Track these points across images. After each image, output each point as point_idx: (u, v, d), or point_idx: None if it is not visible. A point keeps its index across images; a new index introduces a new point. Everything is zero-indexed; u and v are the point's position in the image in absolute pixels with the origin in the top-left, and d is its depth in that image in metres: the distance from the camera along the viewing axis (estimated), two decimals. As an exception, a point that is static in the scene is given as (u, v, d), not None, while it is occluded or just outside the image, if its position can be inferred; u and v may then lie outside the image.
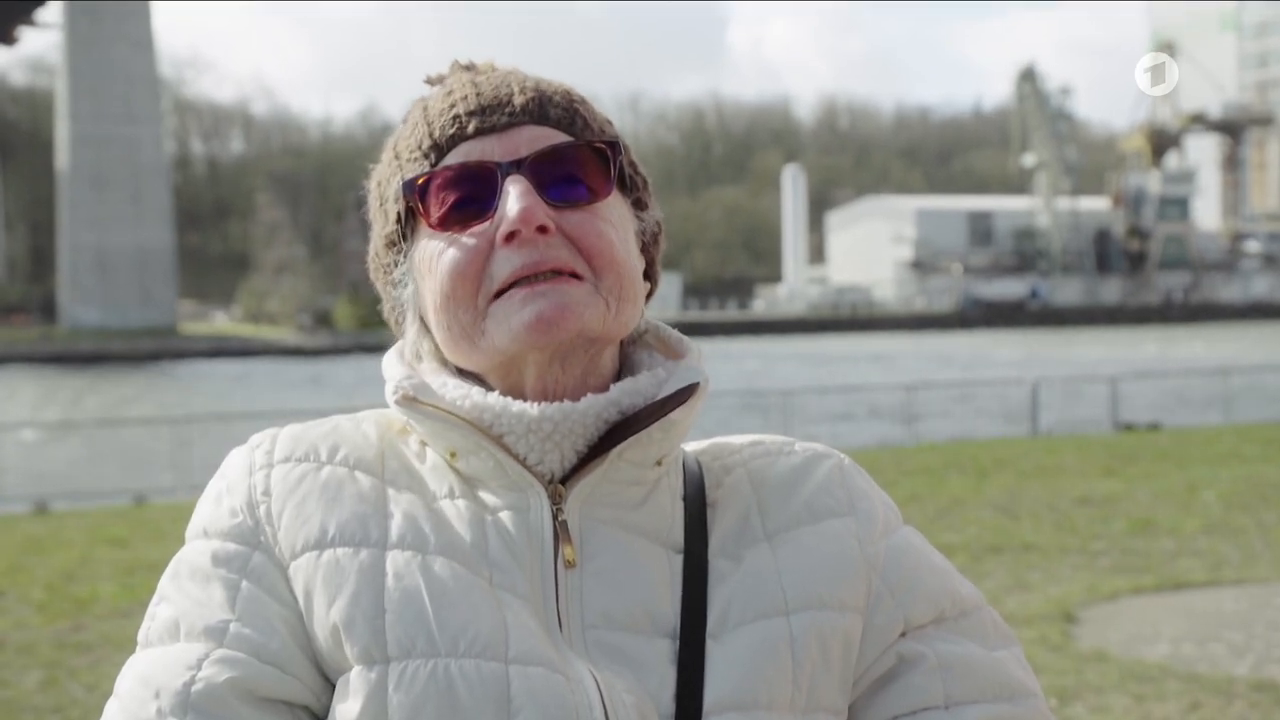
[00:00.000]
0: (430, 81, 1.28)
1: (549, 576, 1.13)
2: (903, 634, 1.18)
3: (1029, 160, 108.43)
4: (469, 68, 1.27)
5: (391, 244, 1.22)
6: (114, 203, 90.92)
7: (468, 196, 1.15)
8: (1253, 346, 53.64)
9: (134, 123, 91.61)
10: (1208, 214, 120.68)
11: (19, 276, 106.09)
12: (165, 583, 1.15)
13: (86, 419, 28.14)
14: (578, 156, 1.17)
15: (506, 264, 1.13)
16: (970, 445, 17.52)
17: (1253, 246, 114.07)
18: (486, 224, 1.14)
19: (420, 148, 1.18)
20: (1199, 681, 5.98)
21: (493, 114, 1.17)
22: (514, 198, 1.12)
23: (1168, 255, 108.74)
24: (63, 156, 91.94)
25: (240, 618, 1.10)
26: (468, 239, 1.15)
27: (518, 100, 1.18)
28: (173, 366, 66.35)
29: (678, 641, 1.12)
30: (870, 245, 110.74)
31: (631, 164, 1.23)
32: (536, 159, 1.15)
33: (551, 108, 1.19)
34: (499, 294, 1.14)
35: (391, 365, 1.21)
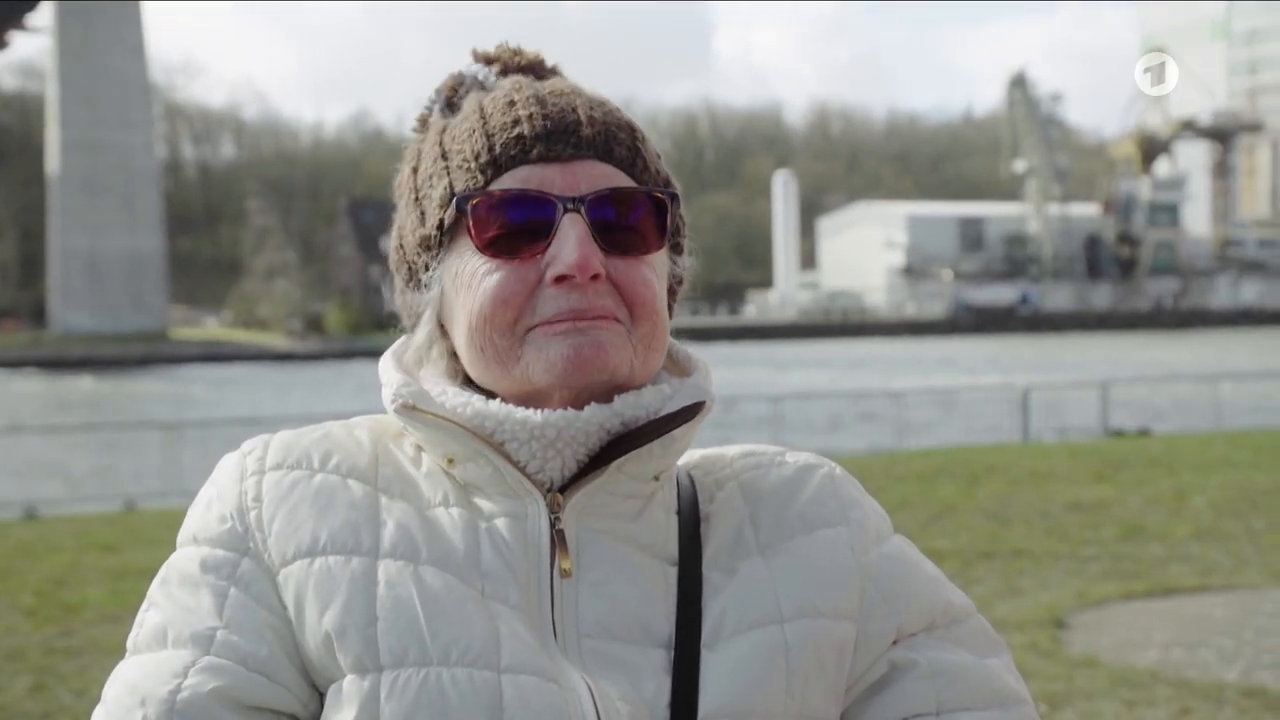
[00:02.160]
0: (477, 58, 1.26)
1: (544, 585, 1.12)
2: (894, 642, 1.18)
3: (1020, 166, 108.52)
4: (517, 54, 1.25)
5: (427, 246, 1.19)
6: (106, 208, 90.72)
7: (522, 225, 1.13)
8: (1242, 353, 53.74)
9: (126, 128, 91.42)
10: (1198, 220, 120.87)
11: (9, 281, 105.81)
12: (154, 589, 1.15)
13: (76, 424, 28.06)
14: (637, 203, 1.16)
15: (553, 304, 1.12)
16: (961, 451, 17.53)
17: (1240, 252, 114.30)
18: (537, 257, 1.13)
19: (476, 159, 1.16)
20: (1189, 687, 5.99)
21: (558, 142, 1.15)
22: (573, 241, 1.11)
23: (1158, 261, 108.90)
24: (53, 162, 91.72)
25: (228, 625, 1.10)
26: (517, 269, 1.13)
27: (585, 132, 1.16)
28: (164, 371, 66.20)
29: (672, 652, 1.12)
30: (861, 251, 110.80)
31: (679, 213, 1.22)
32: (597, 200, 1.13)
33: (616, 145, 1.17)
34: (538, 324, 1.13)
35: (389, 370, 1.19)
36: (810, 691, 1.13)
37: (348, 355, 72.53)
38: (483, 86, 1.24)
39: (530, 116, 1.16)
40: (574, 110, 1.17)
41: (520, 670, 1.06)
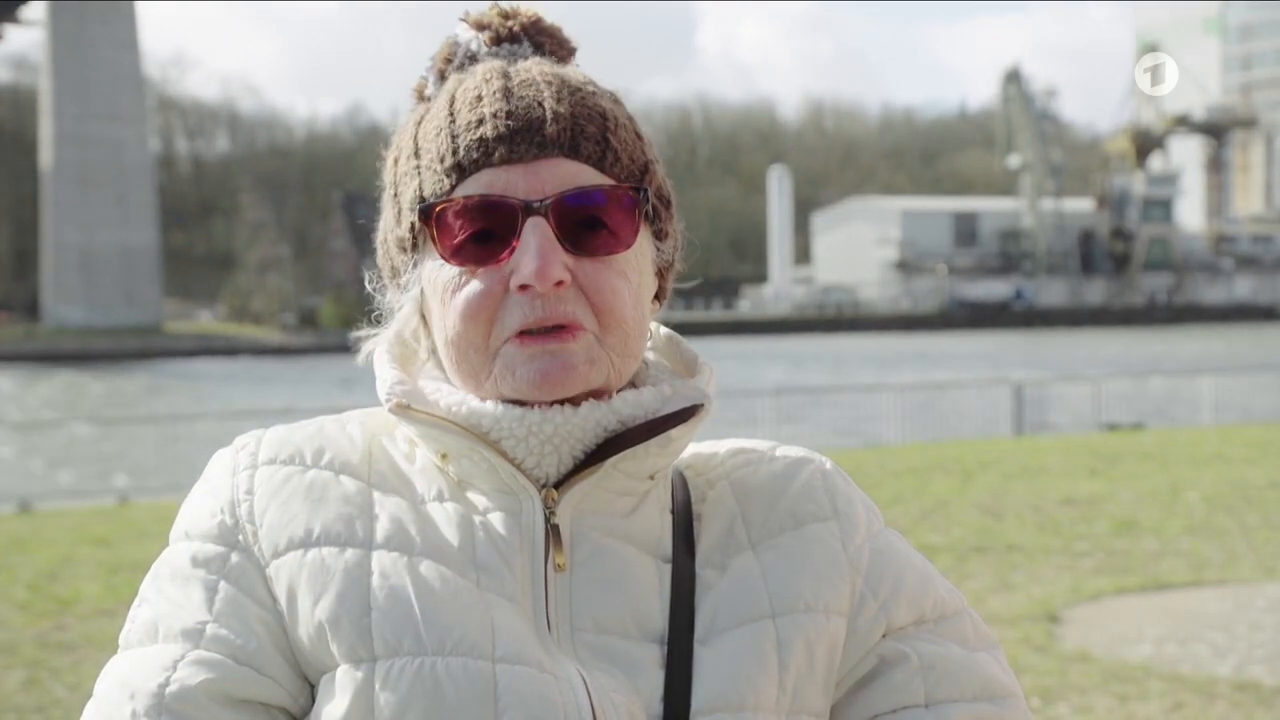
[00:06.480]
0: (470, 24, 1.22)
1: (539, 580, 1.12)
2: (884, 635, 1.18)
3: (1014, 162, 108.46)
4: (508, 18, 1.22)
5: (403, 249, 1.19)
6: (99, 202, 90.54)
7: (485, 232, 1.11)
8: (1236, 347, 53.81)
9: (119, 122, 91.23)
10: (1191, 216, 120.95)
11: (2, 275, 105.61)
12: (146, 585, 1.15)
13: (70, 418, 28.02)
14: (604, 199, 1.13)
15: (518, 312, 1.10)
16: (955, 446, 17.54)
17: (1233, 248, 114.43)
18: (503, 263, 1.11)
19: (442, 162, 1.13)
20: (1181, 682, 6.00)
21: (521, 143, 1.12)
22: (533, 249, 1.09)
23: (1152, 257, 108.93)
24: (46, 155, 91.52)
25: (217, 619, 1.10)
26: (482, 280, 1.12)
27: (549, 130, 1.12)
28: (157, 365, 66.12)
29: (665, 647, 1.12)
30: (855, 246, 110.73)
31: (658, 188, 1.19)
32: (559, 201, 1.11)
33: (584, 140, 1.13)
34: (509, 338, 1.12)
35: (383, 366, 1.19)
36: (802, 685, 1.14)
37: (341, 349, 72.35)
38: (474, 57, 1.21)
39: (495, 114, 1.12)
40: (540, 105, 1.13)
41: (515, 660, 1.06)
